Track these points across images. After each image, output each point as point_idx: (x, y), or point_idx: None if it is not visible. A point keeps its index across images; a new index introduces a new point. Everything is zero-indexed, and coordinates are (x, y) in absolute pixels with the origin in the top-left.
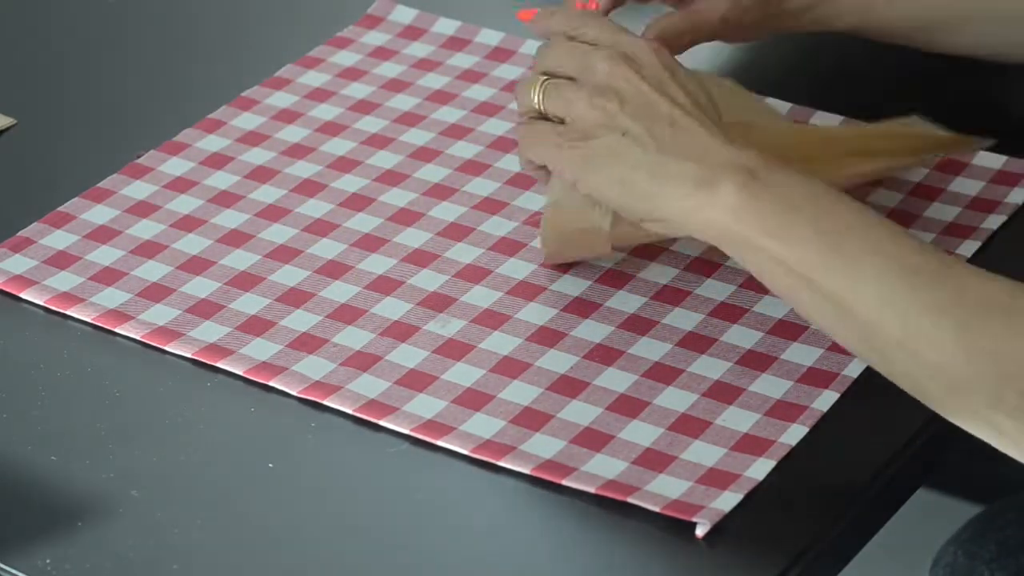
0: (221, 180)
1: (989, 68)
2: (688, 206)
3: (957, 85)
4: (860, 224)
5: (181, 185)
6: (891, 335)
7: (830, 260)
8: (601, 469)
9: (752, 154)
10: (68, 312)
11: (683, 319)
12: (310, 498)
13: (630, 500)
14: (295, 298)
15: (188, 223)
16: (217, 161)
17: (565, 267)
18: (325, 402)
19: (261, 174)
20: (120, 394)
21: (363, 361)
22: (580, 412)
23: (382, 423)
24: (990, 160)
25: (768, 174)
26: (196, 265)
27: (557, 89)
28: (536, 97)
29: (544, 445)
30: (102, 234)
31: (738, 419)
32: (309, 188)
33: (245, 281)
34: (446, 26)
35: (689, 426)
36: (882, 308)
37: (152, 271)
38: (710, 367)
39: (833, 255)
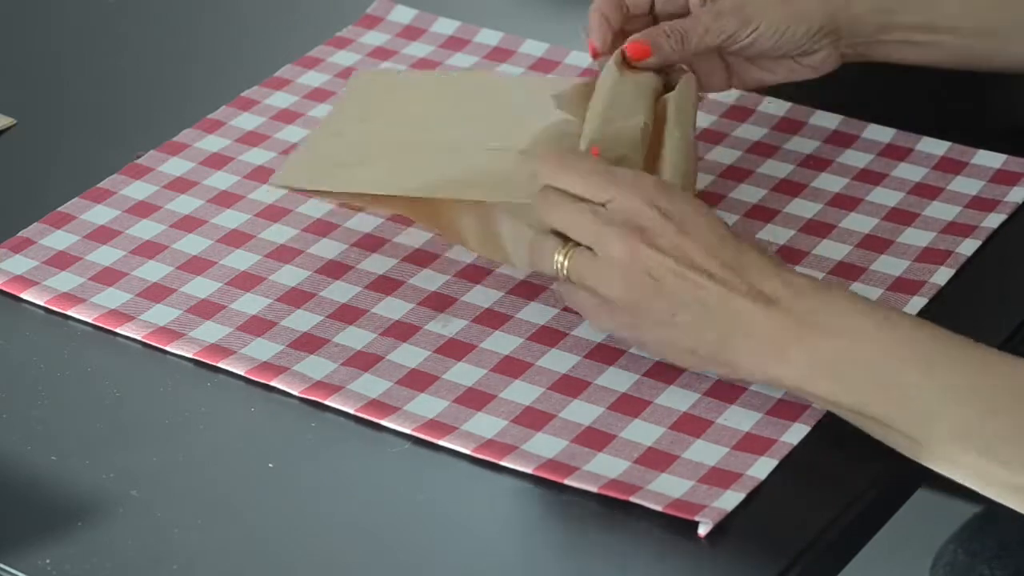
0: (221, 180)
1: None
2: (758, 371)
3: (957, 84)
4: (923, 359)
5: (181, 185)
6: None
7: (899, 410)
8: (603, 468)
9: (789, 292)
10: (68, 312)
11: None
12: (310, 498)
13: (632, 499)
14: (296, 298)
15: (188, 223)
16: (217, 161)
17: None
18: (326, 402)
19: (261, 174)
20: (120, 394)
21: (364, 361)
22: (582, 412)
23: (383, 423)
24: (990, 159)
25: (819, 310)
26: (196, 265)
27: (584, 262)
28: (560, 263)
29: (546, 445)
30: (102, 234)
31: (740, 418)
32: None
33: (245, 281)
34: (445, 26)
35: (691, 425)
36: (960, 442)
37: (152, 271)
38: None
39: (902, 403)
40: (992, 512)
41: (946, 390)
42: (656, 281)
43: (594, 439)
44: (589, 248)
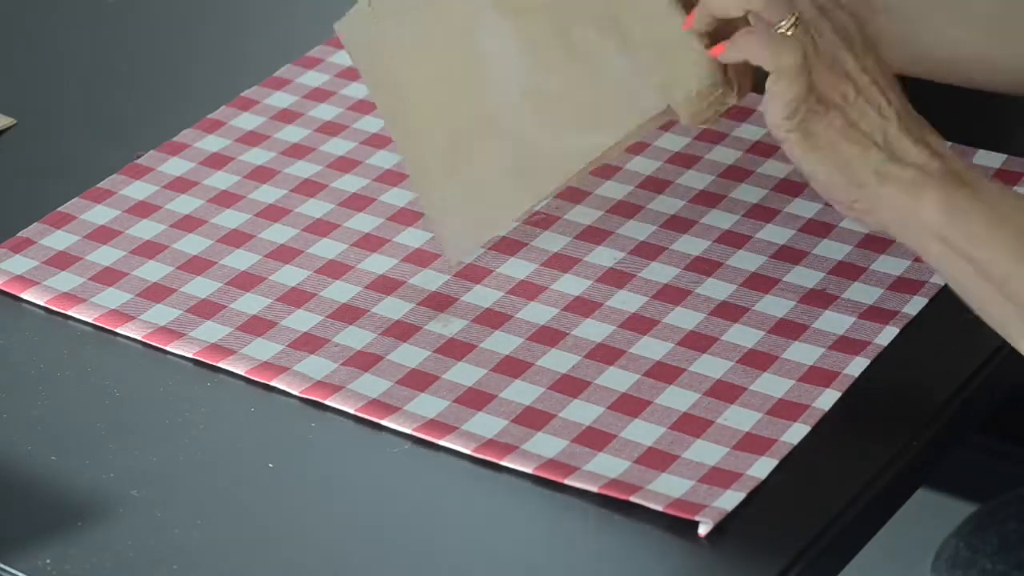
0: (221, 180)
1: None
2: (900, 204)
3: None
4: None
5: (181, 185)
6: None
7: None
8: (603, 468)
9: (958, 159)
10: (68, 312)
11: (684, 318)
12: (310, 498)
13: (632, 499)
14: (296, 298)
15: (188, 223)
16: (217, 161)
17: (566, 265)
18: (327, 402)
19: (261, 174)
20: (120, 394)
21: (364, 361)
22: (582, 411)
23: (384, 423)
24: (990, 159)
25: (974, 182)
26: (196, 265)
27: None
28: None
29: (546, 444)
30: (102, 234)
31: (740, 418)
32: (309, 188)
33: (246, 281)
34: None
35: (691, 425)
36: None
37: (153, 271)
38: (711, 366)
39: None
40: (994, 507)
41: None
42: (858, 91)
43: (594, 439)
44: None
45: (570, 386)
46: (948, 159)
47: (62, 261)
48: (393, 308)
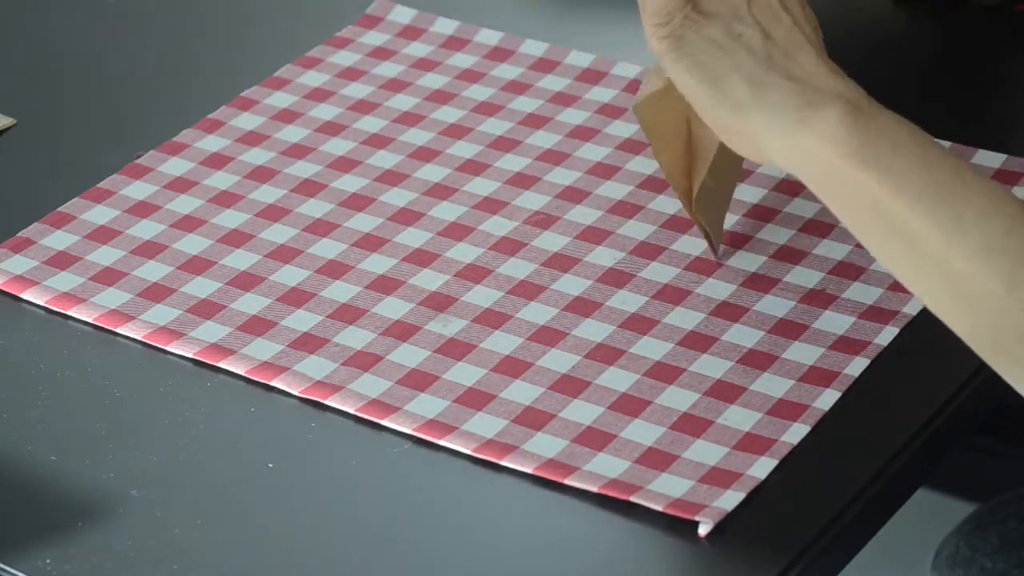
0: (221, 180)
1: (988, 67)
2: (782, 125)
3: (956, 83)
4: (963, 168)
5: (181, 185)
6: (988, 285)
7: (930, 199)
8: (603, 468)
9: (857, 88)
10: (68, 312)
11: (684, 318)
12: (310, 498)
13: (632, 499)
14: (296, 298)
15: (188, 223)
16: (217, 161)
17: (566, 265)
18: (327, 402)
19: (261, 174)
20: (120, 394)
21: (364, 361)
22: (582, 411)
23: (384, 423)
24: (990, 159)
25: (872, 109)
26: (196, 265)
27: None
28: None
29: (546, 444)
30: (102, 234)
31: (740, 418)
32: (309, 188)
33: (246, 281)
34: (445, 26)
35: (691, 425)
36: (985, 256)
37: (153, 271)
38: (711, 366)
39: (934, 194)
40: (994, 506)
41: (984, 196)
42: (751, 3)
43: (594, 439)
44: None
45: (570, 386)
46: (848, 83)
47: (62, 261)
48: (393, 308)
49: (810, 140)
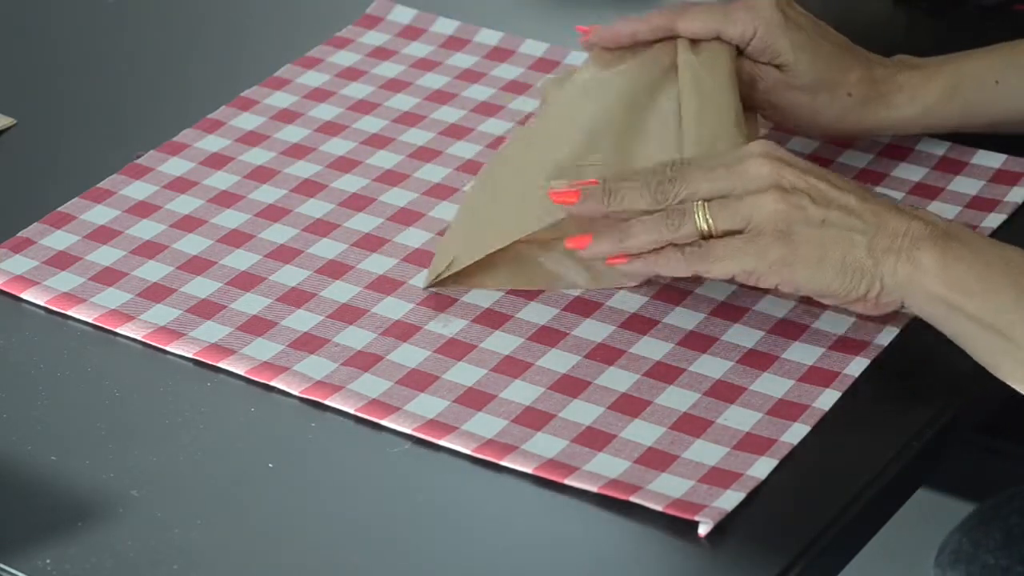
0: (221, 180)
1: None
2: (902, 274)
3: None
4: None
5: (181, 185)
6: None
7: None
8: (603, 468)
9: (938, 217)
10: (68, 312)
11: (684, 318)
12: (310, 498)
13: (632, 499)
14: (296, 298)
15: (188, 223)
16: (217, 161)
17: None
18: (326, 402)
19: (261, 174)
20: (120, 394)
21: (364, 361)
22: (582, 411)
23: (383, 423)
24: (990, 159)
25: (960, 233)
26: (196, 265)
27: (726, 206)
28: (702, 220)
29: (546, 444)
30: (102, 234)
31: (740, 418)
32: (309, 188)
33: (245, 281)
34: (445, 26)
35: (691, 425)
36: None
37: (152, 271)
38: (711, 366)
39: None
40: (998, 503)
41: None
42: (812, 197)
43: (594, 439)
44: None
45: (570, 386)
46: (926, 216)
47: (62, 261)
48: (393, 308)
49: (921, 278)
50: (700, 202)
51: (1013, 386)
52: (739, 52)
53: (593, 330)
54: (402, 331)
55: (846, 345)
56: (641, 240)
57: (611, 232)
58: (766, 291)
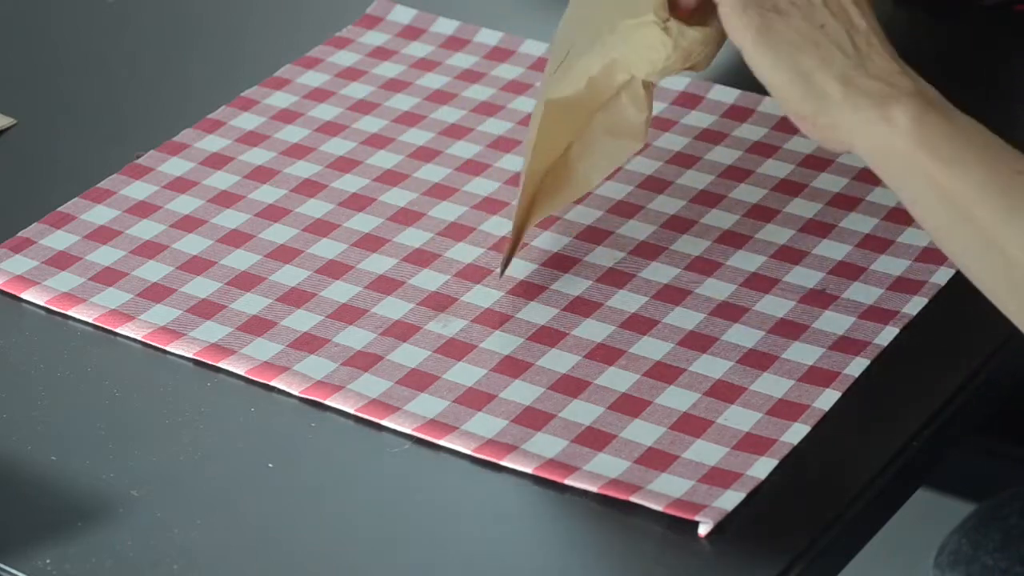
0: (221, 180)
1: (988, 67)
2: (863, 119)
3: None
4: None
5: (181, 185)
6: None
7: (993, 194)
8: (603, 468)
9: (927, 84)
10: (68, 312)
11: (684, 318)
12: (310, 498)
13: (632, 499)
14: (296, 298)
15: (188, 223)
16: (217, 161)
17: (566, 265)
18: (326, 402)
19: (261, 174)
20: (120, 394)
21: (364, 361)
22: (582, 411)
23: (384, 423)
24: None
25: (944, 106)
26: (196, 265)
27: None
28: None
29: (546, 444)
30: (102, 234)
31: (740, 418)
32: (309, 188)
33: (246, 281)
34: (445, 26)
35: (691, 425)
36: None
37: (153, 271)
38: (711, 366)
39: (997, 189)
40: (997, 504)
41: None
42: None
43: (594, 439)
44: None
45: (570, 386)
46: (919, 80)
47: (62, 261)
48: (393, 308)
49: (887, 132)
50: None
51: (958, 264)
52: None
53: (593, 330)
54: (402, 331)
55: (846, 345)
56: None
57: None
58: (766, 290)
